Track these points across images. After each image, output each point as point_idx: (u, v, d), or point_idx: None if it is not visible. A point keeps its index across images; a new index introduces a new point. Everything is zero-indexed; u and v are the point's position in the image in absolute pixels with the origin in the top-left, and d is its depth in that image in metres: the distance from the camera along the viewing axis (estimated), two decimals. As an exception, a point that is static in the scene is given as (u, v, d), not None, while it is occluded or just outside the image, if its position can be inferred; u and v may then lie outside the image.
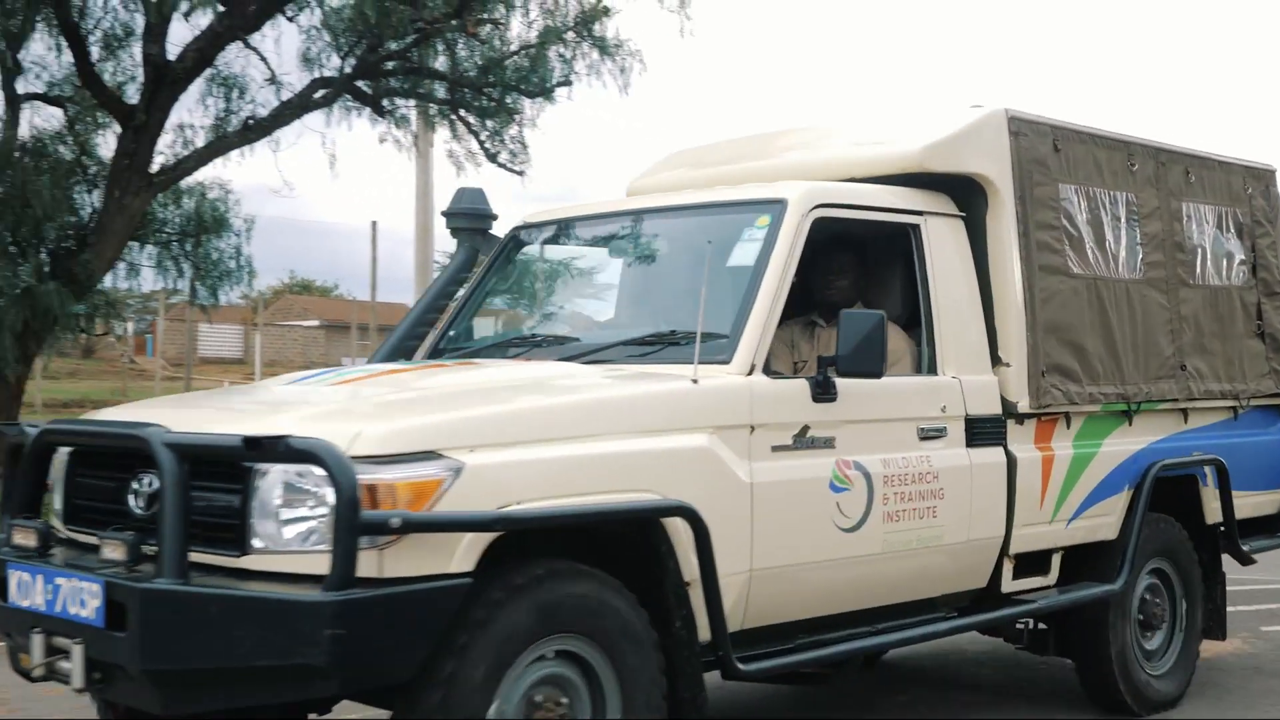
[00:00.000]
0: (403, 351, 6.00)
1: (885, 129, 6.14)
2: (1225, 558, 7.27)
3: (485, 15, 12.86)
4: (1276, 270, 7.43)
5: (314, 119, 12.96)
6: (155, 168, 12.01)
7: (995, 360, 5.87)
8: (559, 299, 6.13)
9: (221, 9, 11.40)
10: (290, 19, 12.97)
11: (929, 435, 5.47)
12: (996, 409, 5.78)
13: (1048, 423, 6.04)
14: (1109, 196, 6.41)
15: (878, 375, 5.06)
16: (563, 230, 6.08)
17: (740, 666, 4.74)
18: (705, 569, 4.56)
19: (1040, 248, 5.99)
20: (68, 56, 12.43)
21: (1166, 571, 6.76)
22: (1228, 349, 7.04)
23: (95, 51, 12.67)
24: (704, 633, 4.65)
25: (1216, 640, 7.19)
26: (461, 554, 4.02)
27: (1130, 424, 6.45)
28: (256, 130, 12.59)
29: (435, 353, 6.00)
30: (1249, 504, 7.23)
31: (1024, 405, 5.86)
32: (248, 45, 12.92)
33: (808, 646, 5.07)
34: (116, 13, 12.77)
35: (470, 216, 6.18)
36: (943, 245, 5.73)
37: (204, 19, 11.98)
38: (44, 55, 13.19)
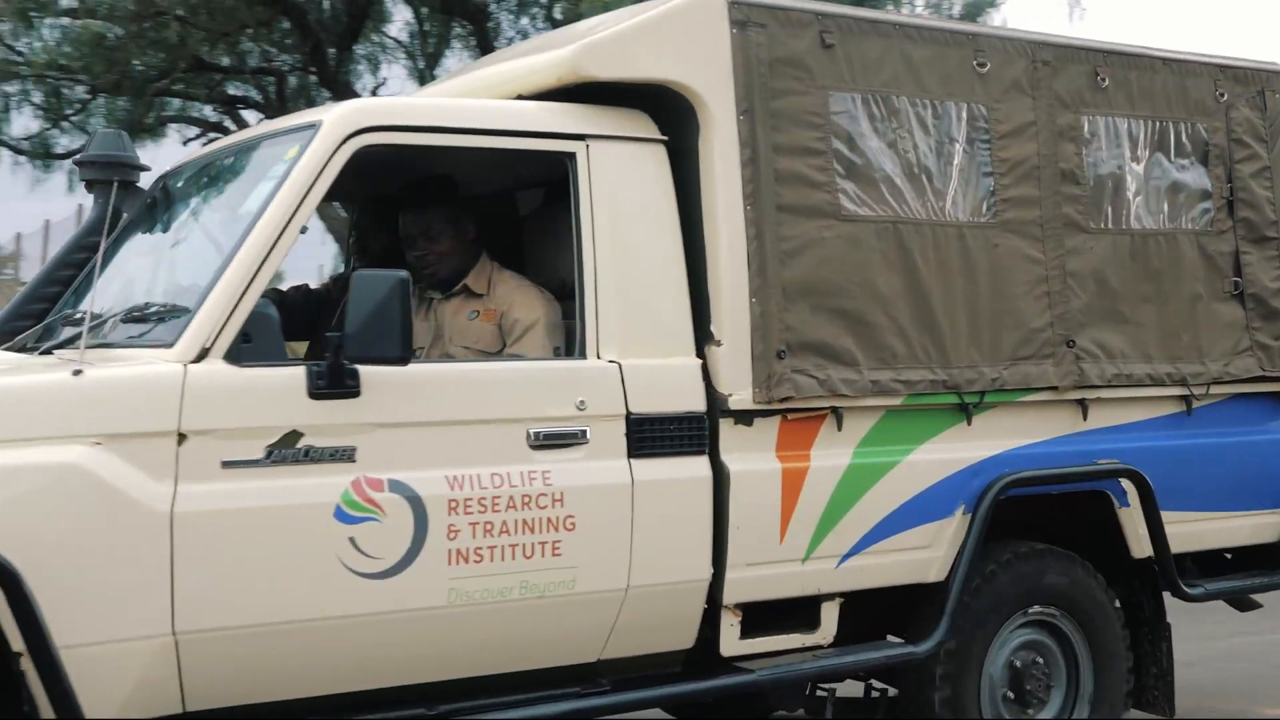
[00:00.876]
0: (8, 332, 4.86)
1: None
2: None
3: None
4: (1269, 207, 5.41)
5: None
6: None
7: (709, 338, 4.27)
8: (155, 263, 4.83)
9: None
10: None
11: (551, 442, 3.96)
12: (693, 405, 4.21)
13: (803, 423, 4.41)
14: (932, 108, 4.68)
15: (398, 360, 3.65)
16: (184, 177, 4.80)
17: (118, 770, 3.40)
18: (30, 635, 3.26)
19: (785, 180, 4.37)
20: (481, 71, 15.41)
21: (1059, 625, 4.94)
22: (1169, 317, 5.14)
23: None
24: (56, 723, 3.34)
25: (1160, 716, 5.25)
26: None
27: (969, 423, 4.69)
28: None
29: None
30: (1223, 530, 5.31)
31: (741, 399, 4.26)
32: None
33: None
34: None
35: (103, 166, 4.97)
36: (614, 180, 4.22)
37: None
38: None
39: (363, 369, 3.70)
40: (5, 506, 3.30)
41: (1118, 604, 5.08)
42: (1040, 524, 5.01)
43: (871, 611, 4.69)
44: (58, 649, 3.31)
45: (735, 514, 4.24)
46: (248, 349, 3.67)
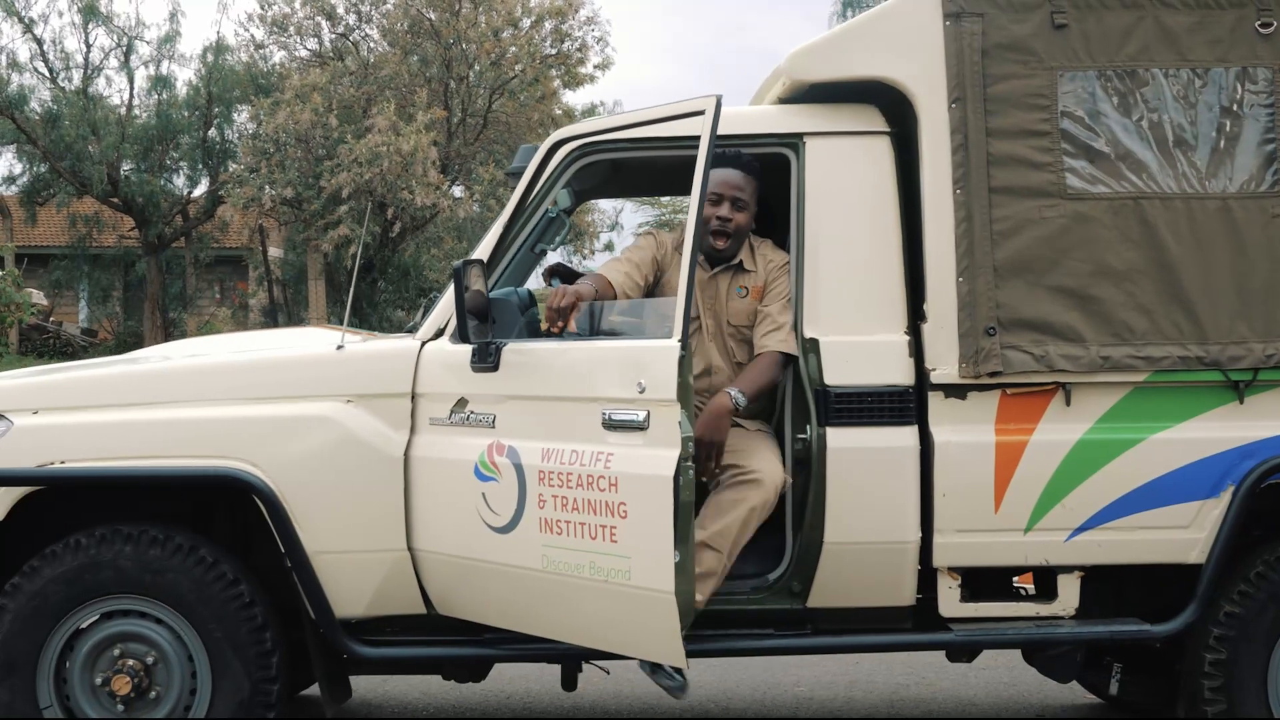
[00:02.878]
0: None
1: None
2: None
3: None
4: None
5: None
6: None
7: (922, 316, 4.71)
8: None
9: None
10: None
11: (619, 424, 4.27)
12: (897, 378, 4.65)
13: (1029, 398, 4.67)
14: (1194, 77, 4.67)
15: (464, 339, 4.43)
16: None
17: (355, 647, 4.61)
18: (286, 541, 4.56)
19: (1001, 163, 4.66)
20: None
21: (1391, 625, 4.69)
22: None
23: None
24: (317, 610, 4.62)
25: None
26: None
27: (1241, 401, 4.64)
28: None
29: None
30: None
31: (946, 373, 4.63)
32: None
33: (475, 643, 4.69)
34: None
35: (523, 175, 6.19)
36: (832, 171, 4.76)
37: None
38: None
39: (507, 347, 4.46)
40: (274, 445, 4.57)
41: None
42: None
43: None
44: (309, 552, 4.53)
45: (941, 482, 4.59)
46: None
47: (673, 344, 4.08)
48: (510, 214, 4.71)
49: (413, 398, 4.62)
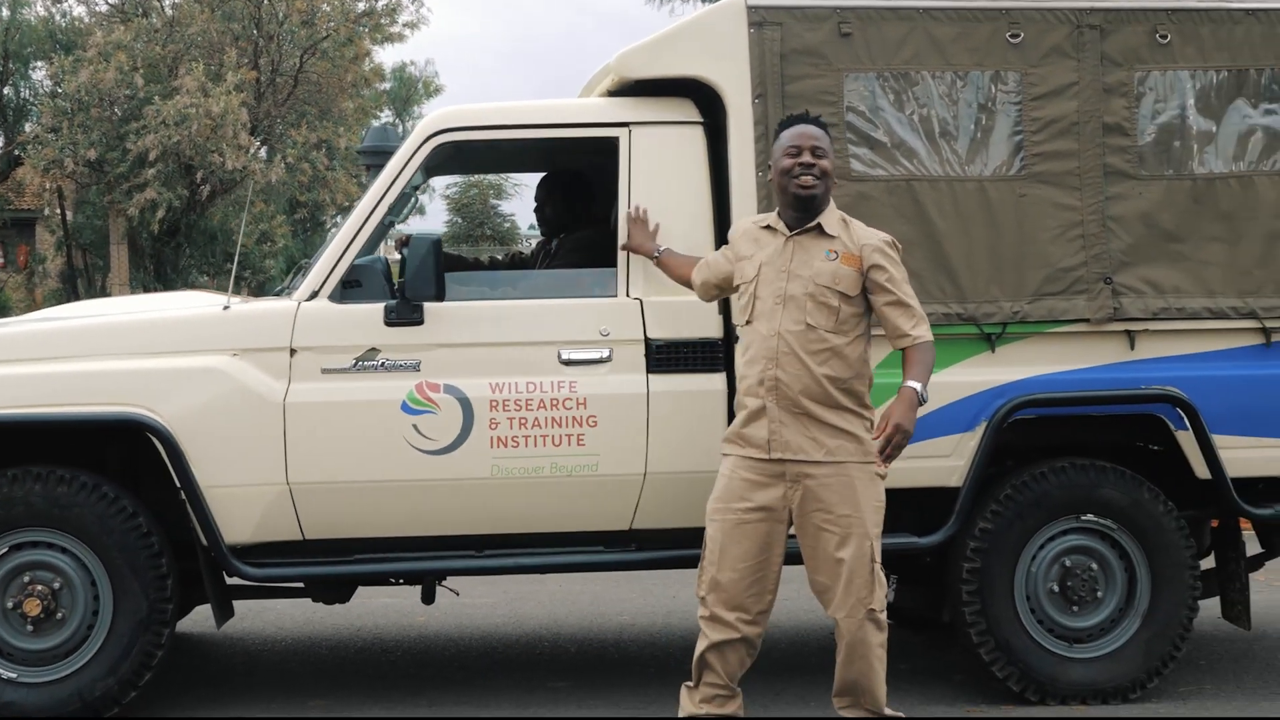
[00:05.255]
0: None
1: None
2: None
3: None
4: None
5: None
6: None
7: None
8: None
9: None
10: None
11: (578, 360, 5.58)
12: (710, 332, 5.68)
13: (818, 349, 5.71)
14: (959, 79, 5.77)
15: (435, 299, 5.45)
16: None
17: (242, 568, 5.49)
18: (181, 477, 5.40)
19: None
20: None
21: (1116, 538, 5.86)
22: (1241, 255, 5.84)
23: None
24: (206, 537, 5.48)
25: (1242, 629, 5.97)
26: None
27: (993, 351, 5.77)
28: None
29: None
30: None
31: (750, 329, 5.66)
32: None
33: (355, 561, 5.61)
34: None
35: (375, 154, 7.09)
36: (654, 157, 5.74)
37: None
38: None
39: (428, 305, 5.49)
40: (170, 393, 5.40)
41: (1182, 525, 5.85)
42: (1123, 448, 6.02)
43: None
44: (202, 487, 5.40)
45: (745, 420, 5.64)
46: (354, 292, 5.54)
47: (633, 300, 5.56)
48: (385, 191, 5.62)
49: (290, 352, 5.51)
